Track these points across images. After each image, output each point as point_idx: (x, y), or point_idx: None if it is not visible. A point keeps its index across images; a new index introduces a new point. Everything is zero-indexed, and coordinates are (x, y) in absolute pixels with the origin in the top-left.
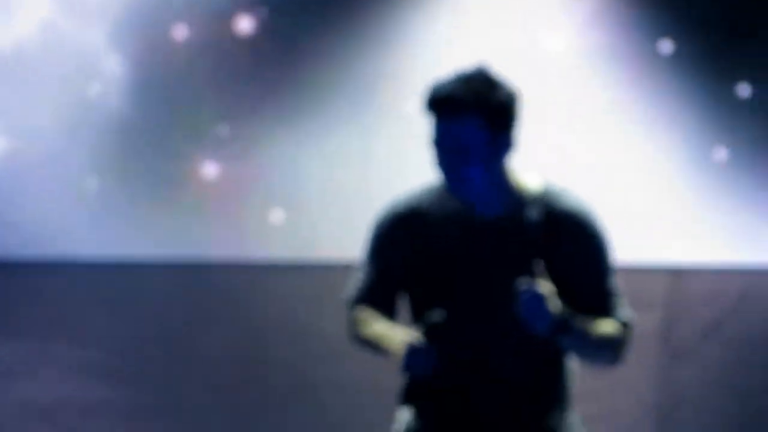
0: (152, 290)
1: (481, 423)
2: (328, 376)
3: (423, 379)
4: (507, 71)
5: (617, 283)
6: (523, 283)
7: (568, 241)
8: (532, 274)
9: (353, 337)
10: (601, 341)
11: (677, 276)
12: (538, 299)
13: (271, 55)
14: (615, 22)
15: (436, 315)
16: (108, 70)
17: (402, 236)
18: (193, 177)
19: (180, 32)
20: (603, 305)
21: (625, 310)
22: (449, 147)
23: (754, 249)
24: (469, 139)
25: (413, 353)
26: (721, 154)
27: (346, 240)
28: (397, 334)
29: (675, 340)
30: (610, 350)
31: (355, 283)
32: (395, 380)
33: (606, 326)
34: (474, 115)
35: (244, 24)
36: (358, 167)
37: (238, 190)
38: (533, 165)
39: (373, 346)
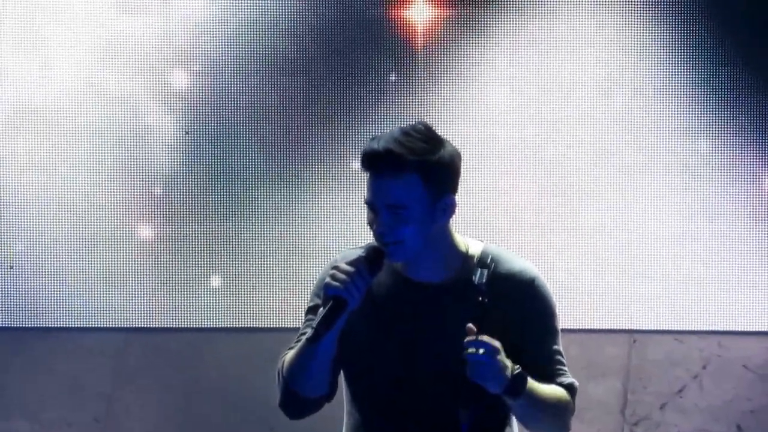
0: (81, 354)
1: None
2: None
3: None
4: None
5: (561, 348)
6: (471, 339)
7: (512, 303)
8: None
9: (283, 386)
10: (552, 404)
11: (635, 341)
12: (489, 355)
13: (206, 111)
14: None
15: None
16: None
17: None
18: (128, 240)
19: (112, 86)
20: (547, 370)
21: (568, 375)
22: (385, 206)
23: (715, 315)
24: (406, 199)
25: (354, 268)
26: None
27: (286, 306)
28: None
29: (633, 410)
30: (558, 415)
31: (291, 345)
32: None
33: (554, 390)
34: (413, 173)
35: (179, 78)
36: (300, 228)
37: (173, 254)
38: (490, 226)
39: (297, 359)
